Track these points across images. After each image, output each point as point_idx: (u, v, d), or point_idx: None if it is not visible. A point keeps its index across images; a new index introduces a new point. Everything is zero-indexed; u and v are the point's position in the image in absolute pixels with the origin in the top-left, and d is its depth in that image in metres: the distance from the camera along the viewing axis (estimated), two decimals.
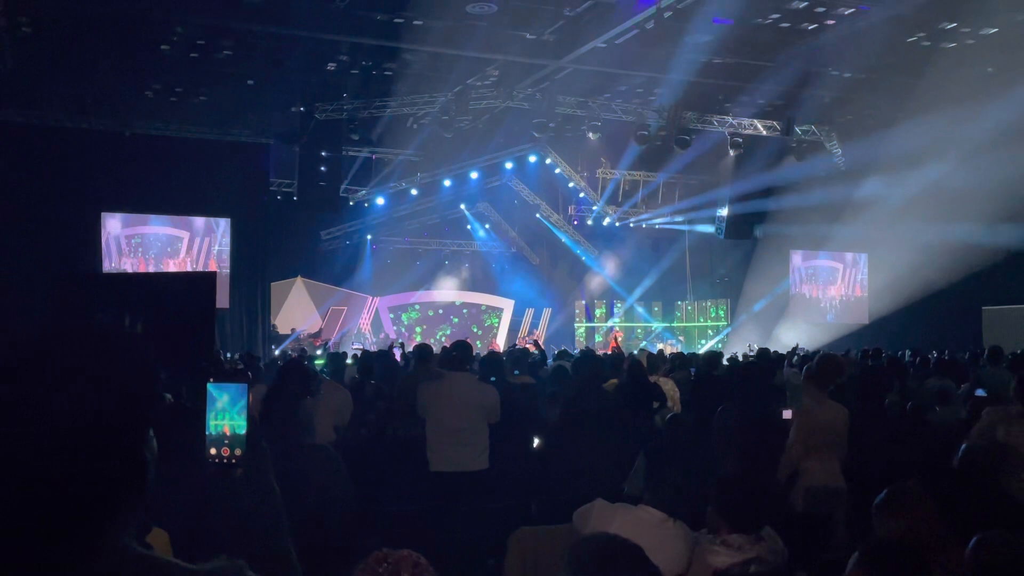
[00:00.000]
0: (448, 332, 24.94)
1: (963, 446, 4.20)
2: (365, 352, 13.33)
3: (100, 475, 1.28)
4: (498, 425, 6.35)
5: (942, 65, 16.98)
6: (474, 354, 7.75)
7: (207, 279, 3.90)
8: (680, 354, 14.51)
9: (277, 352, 18.36)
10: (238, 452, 1.69)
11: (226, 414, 1.70)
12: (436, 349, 10.38)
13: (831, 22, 15.71)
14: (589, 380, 6.27)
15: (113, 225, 19.88)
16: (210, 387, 1.70)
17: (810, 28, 15.99)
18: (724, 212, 24.54)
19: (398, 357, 13.45)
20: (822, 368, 5.69)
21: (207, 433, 1.69)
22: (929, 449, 5.62)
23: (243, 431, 1.70)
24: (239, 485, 1.72)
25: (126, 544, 1.32)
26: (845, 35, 16.05)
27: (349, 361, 12.77)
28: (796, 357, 14.07)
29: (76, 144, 17.88)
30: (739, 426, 5.78)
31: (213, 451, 1.68)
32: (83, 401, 1.28)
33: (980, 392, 7.77)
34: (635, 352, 14.46)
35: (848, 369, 6.89)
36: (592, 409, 5.93)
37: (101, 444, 1.29)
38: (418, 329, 25.20)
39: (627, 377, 8.11)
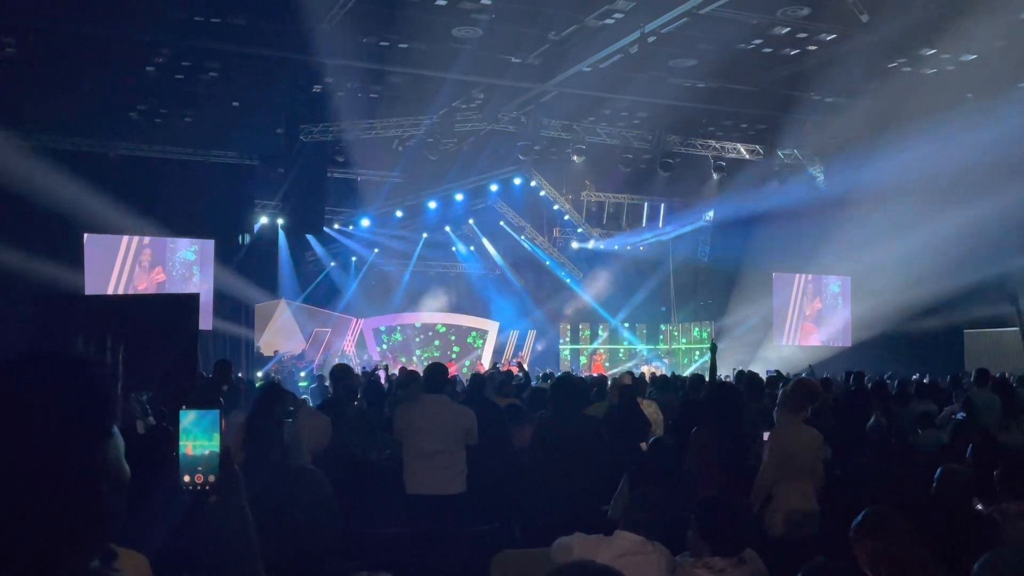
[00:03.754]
0: (433, 354, 24.88)
1: (939, 470, 4.23)
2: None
3: (55, 502, 1.27)
4: (482, 446, 6.32)
5: (922, 90, 17.18)
6: (451, 377, 7.74)
7: (189, 301, 3.90)
8: (664, 376, 14.51)
9: (259, 374, 18.26)
10: (212, 478, 1.68)
11: (199, 440, 1.70)
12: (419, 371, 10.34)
13: (813, 47, 15.89)
14: (566, 403, 6.25)
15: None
16: (182, 413, 1.69)
17: (792, 54, 16.17)
18: (707, 235, 24.70)
19: (383, 379, 13.41)
20: (796, 393, 5.69)
21: (180, 460, 1.69)
22: (909, 472, 5.64)
23: (216, 457, 1.69)
24: (213, 511, 1.71)
25: (92, 568, 1.32)
26: (826, 61, 16.24)
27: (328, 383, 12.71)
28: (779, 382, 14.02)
29: (60, 165, 17.78)
30: (718, 448, 5.78)
31: (187, 478, 1.68)
32: (36, 428, 1.28)
33: (960, 415, 7.81)
34: (618, 374, 14.46)
35: (823, 394, 6.90)
36: (568, 432, 5.91)
37: (55, 470, 1.28)
38: (403, 354, 25.13)
39: (618, 401, 8.12)
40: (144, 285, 20.11)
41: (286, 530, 3.95)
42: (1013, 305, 18.03)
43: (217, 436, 1.70)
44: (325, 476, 4.47)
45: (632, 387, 8.82)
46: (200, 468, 1.68)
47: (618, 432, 7.41)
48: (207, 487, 1.67)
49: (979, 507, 4.19)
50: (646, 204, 25.73)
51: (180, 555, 1.86)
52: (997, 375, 12.09)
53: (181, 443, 1.68)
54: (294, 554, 3.87)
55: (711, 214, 24.69)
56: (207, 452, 1.69)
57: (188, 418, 1.70)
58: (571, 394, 6.41)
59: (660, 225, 26.17)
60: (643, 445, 7.53)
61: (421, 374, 7.76)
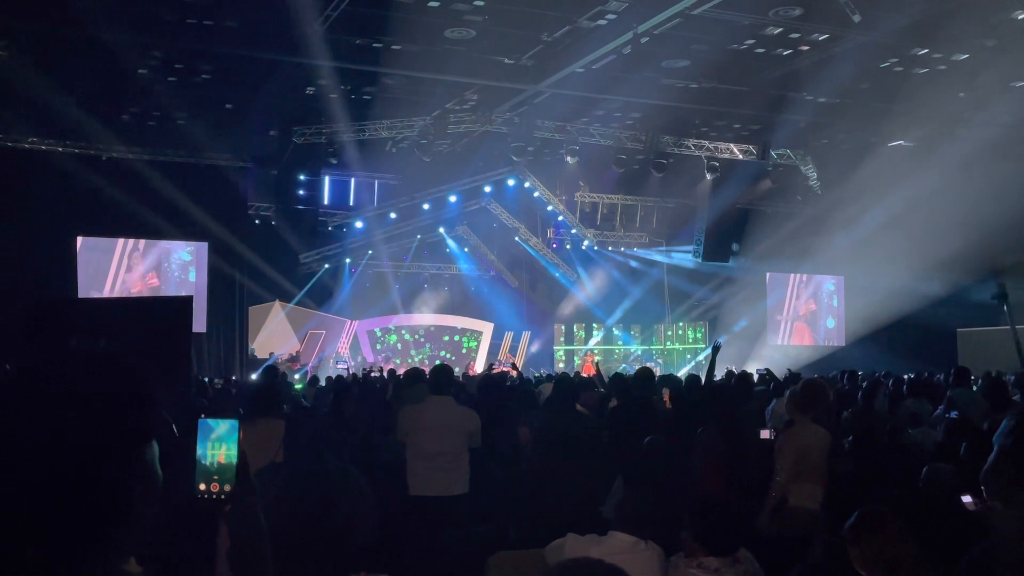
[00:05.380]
0: (427, 355, 24.88)
1: (925, 468, 4.25)
2: (340, 377, 13.26)
3: (91, 504, 1.28)
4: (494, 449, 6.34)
5: (914, 90, 17.23)
6: (453, 376, 7.74)
7: (183, 303, 3.90)
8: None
9: (254, 377, 18.23)
10: (227, 488, 1.68)
11: (216, 449, 1.69)
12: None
13: (805, 48, 15.92)
14: (564, 403, 6.27)
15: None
16: (202, 422, 1.69)
17: (785, 54, 16.19)
18: (701, 235, 24.71)
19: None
20: (806, 393, 5.71)
21: (196, 468, 1.69)
22: (901, 471, 5.66)
23: (233, 466, 1.69)
24: (228, 520, 1.71)
25: (124, 570, 1.32)
26: (819, 61, 16.28)
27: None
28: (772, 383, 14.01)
29: (52, 168, 17.76)
30: (724, 449, 5.80)
31: (203, 486, 1.67)
32: (79, 427, 1.29)
33: (953, 414, 7.82)
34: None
35: (831, 394, 6.91)
36: (566, 432, 5.92)
37: (93, 472, 1.29)
38: (396, 356, 25.12)
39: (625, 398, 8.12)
40: (138, 288, 20.06)
41: (327, 525, 3.98)
42: (1003, 303, 18.07)
43: (235, 446, 1.70)
44: (361, 474, 4.50)
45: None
46: (216, 477, 1.68)
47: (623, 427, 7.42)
48: (222, 496, 1.67)
49: (968, 505, 4.21)
50: (640, 204, 25.74)
51: (193, 562, 1.86)
52: (993, 373, 12.13)
53: (199, 452, 1.68)
54: (335, 548, 3.89)
55: (705, 214, 24.75)
56: (224, 461, 1.69)
57: (207, 427, 1.70)
58: (566, 394, 6.43)
59: (654, 225, 26.16)
60: None
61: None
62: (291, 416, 4.74)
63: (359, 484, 4.43)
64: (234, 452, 1.69)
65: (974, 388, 9.90)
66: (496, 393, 7.92)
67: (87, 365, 1.37)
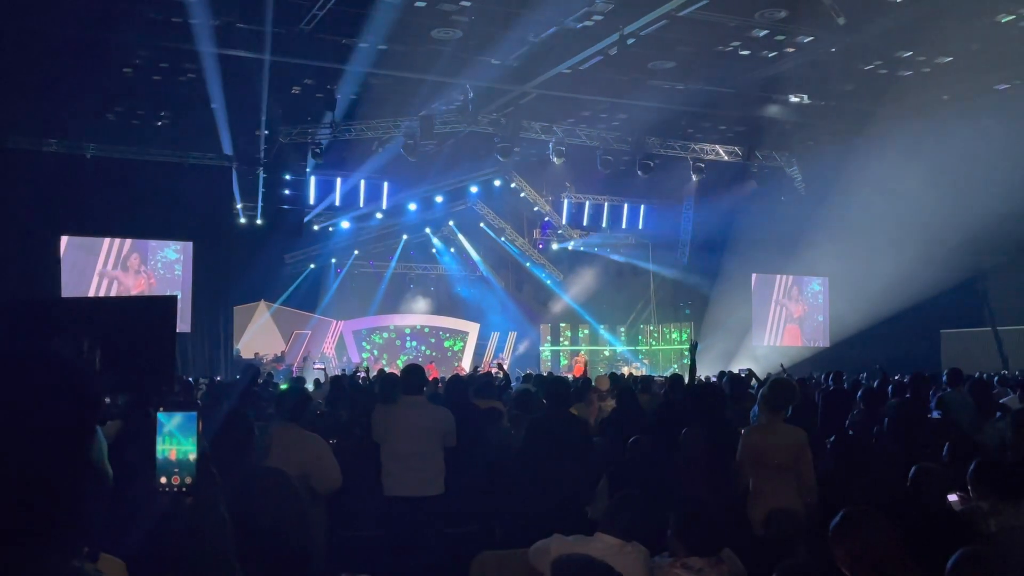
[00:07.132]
0: (413, 356, 24.85)
1: (913, 468, 4.27)
2: (335, 378, 13.21)
3: (38, 501, 1.27)
4: (461, 449, 6.31)
5: (899, 92, 17.32)
6: (433, 378, 7.72)
7: (167, 303, 3.87)
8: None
9: (239, 377, 18.14)
10: (188, 480, 1.67)
11: (176, 442, 1.69)
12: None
13: (790, 50, 15.99)
14: (557, 405, 6.27)
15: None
16: (160, 415, 1.69)
17: (770, 56, 16.26)
18: (687, 236, 24.79)
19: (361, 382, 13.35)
20: (774, 392, 5.73)
21: (157, 461, 1.68)
22: (887, 471, 5.68)
23: (193, 459, 1.69)
24: (189, 513, 1.70)
25: (74, 567, 1.31)
26: (804, 63, 16.35)
27: (310, 386, 12.69)
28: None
29: (36, 166, 17.64)
30: (701, 449, 5.80)
31: (164, 480, 1.67)
32: (20, 427, 1.27)
33: (936, 414, 7.85)
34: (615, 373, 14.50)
35: (800, 394, 6.92)
36: (558, 433, 5.92)
37: (39, 468, 1.28)
38: (384, 355, 25.07)
39: (620, 403, 8.15)
40: (126, 288, 19.91)
41: (254, 531, 3.92)
42: (985, 305, 18.20)
43: (194, 438, 1.69)
44: (291, 478, 4.43)
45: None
46: (177, 470, 1.67)
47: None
48: (184, 489, 1.67)
49: (953, 505, 4.23)
50: (626, 205, 25.79)
51: (156, 557, 1.85)
52: (976, 375, 12.19)
53: (158, 445, 1.67)
54: (259, 556, 3.84)
55: (690, 215, 24.86)
56: (184, 454, 1.68)
57: (165, 420, 1.69)
58: (562, 396, 6.43)
59: (640, 226, 26.24)
60: None
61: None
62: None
63: (286, 486, 4.36)
64: (190, 445, 1.68)
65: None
66: (460, 394, 7.90)
67: (33, 363, 1.36)
